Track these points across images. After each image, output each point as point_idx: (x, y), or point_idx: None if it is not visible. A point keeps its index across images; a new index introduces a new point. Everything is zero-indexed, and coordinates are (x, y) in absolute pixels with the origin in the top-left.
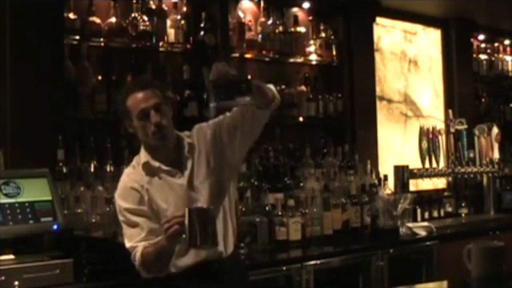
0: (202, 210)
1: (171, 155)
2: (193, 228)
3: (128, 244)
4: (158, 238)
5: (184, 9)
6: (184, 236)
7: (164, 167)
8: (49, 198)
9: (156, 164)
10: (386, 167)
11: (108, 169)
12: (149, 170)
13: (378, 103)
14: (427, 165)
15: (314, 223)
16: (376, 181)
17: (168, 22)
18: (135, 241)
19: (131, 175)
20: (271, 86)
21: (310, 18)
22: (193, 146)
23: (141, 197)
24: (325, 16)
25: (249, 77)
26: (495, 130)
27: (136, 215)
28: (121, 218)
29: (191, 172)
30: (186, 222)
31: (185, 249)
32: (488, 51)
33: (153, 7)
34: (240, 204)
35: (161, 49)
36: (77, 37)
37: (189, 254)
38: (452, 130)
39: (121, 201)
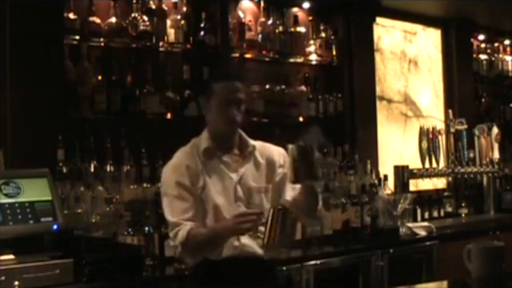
0: (286, 211)
1: (232, 147)
2: (274, 228)
3: (172, 219)
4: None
5: (184, 9)
6: (256, 234)
7: (224, 158)
8: (49, 198)
9: (218, 152)
10: (386, 167)
11: (108, 169)
12: (208, 155)
13: (378, 103)
14: (427, 165)
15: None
16: (376, 181)
17: (168, 22)
18: (182, 218)
19: (189, 155)
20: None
21: (310, 18)
22: (254, 148)
23: (197, 179)
24: (325, 16)
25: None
26: (495, 130)
27: (188, 193)
28: (169, 190)
29: (246, 171)
30: (269, 221)
31: (260, 247)
32: (488, 51)
33: (153, 7)
34: None
35: (161, 49)
36: (77, 37)
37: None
38: (452, 130)
39: (174, 175)
